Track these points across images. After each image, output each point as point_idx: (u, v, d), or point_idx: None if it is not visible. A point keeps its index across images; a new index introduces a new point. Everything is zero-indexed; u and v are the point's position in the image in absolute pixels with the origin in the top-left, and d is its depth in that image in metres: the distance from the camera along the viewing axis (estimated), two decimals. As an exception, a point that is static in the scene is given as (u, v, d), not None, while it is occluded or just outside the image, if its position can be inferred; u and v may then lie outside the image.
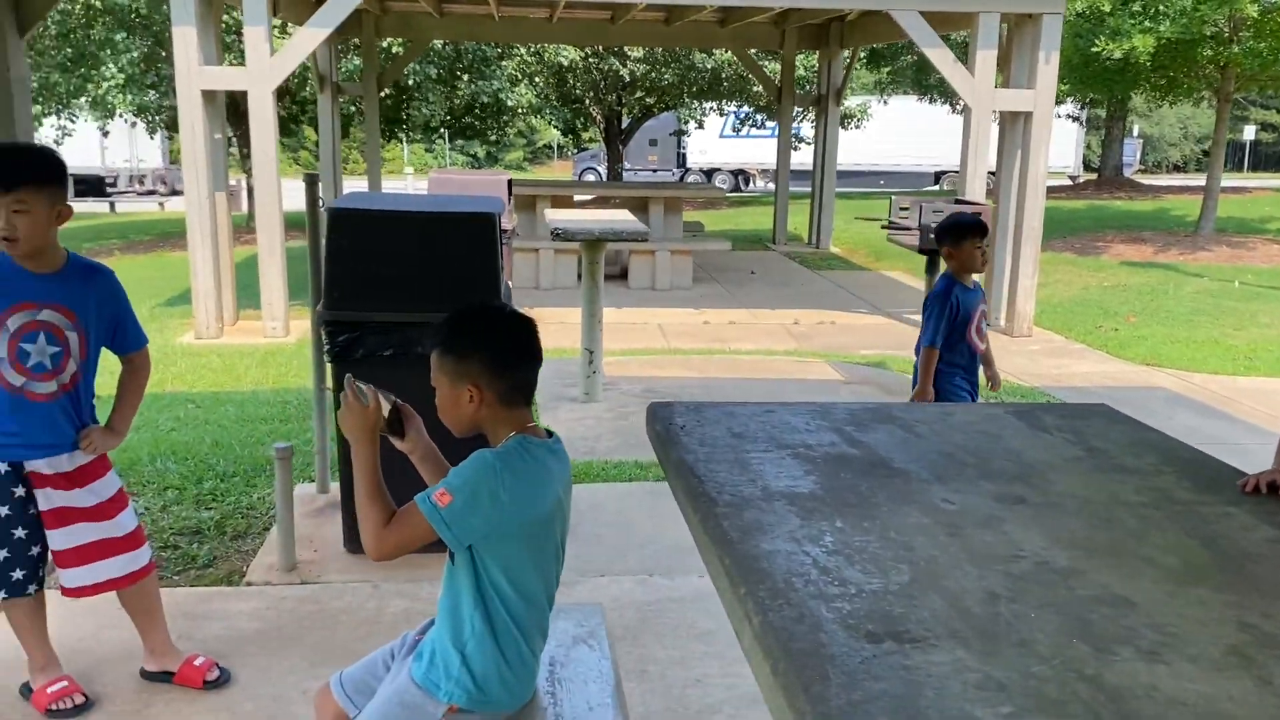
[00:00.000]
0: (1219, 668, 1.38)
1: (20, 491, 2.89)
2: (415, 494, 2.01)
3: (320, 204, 4.51)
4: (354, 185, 17.78)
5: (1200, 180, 31.40)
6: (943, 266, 4.57)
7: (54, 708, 3.00)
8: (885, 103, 27.09)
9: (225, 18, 10.23)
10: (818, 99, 15.07)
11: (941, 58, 8.93)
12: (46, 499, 2.92)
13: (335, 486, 4.84)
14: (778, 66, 16.66)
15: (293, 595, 3.82)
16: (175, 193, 30.22)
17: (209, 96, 8.30)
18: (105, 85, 15.88)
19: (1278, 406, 6.87)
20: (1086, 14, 14.02)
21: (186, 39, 8.06)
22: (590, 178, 33.08)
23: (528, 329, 2.14)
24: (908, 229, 6.81)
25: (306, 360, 7.78)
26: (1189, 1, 13.35)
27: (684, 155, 34.92)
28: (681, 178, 33.29)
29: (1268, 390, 7.37)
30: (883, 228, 7.03)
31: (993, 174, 9.87)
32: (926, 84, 24.86)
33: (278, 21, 10.75)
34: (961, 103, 25.67)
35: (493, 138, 23.48)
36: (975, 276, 4.50)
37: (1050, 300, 10.73)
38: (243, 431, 5.77)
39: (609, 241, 6.10)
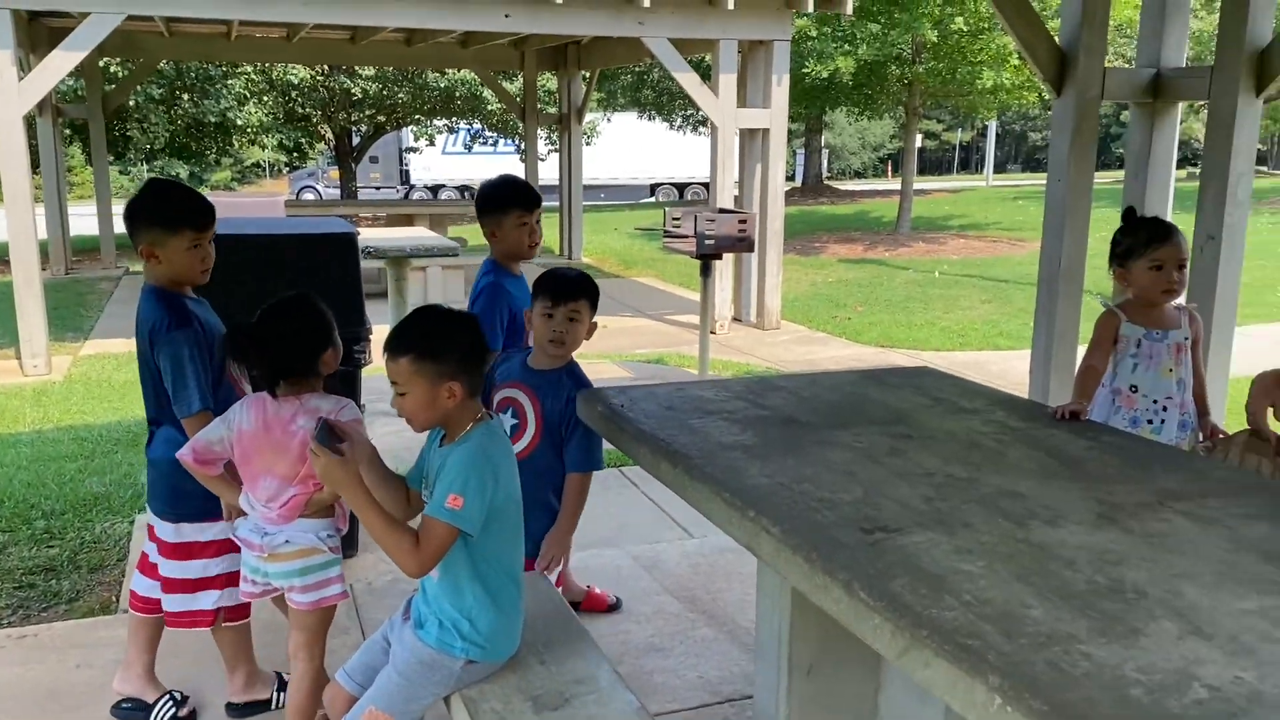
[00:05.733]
0: (1096, 526, 1.98)
1: None
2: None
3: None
4: (81, 210, 16.50)
5: (881, 185, 34.83)
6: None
7: None
8: (609, 120, 28.29)
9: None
10: (560, 117, 15.69)
11: (689, 81, 9.72)
12: None
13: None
14: (517, 86, 17.15)
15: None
16: None
17: (-58, 121, 7.72)
18: None
19: (989, 375, 8.11)
20: (795, 38, 15.52)
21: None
22: (309, 196, 32.20)
23: (478, 325, 2.39)
24: (684, 236, 7.42)
25: (83, 396, 7.44)
26: (879, 27, 15.12)
27: (408, 172, 34.71)
28: (406, 195, 33.10)
29: (980, 361, 8.66)
30: (664, 236, 7.62)
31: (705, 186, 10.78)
32: (644, 101, 26.22)
33: None
34: (679, 119, 27.00)
35: (213, 158, 22.44)
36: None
37: (788, 296, 11.86)
38: (50, 470, 5.53)
39: (418, 258, 6.33)
